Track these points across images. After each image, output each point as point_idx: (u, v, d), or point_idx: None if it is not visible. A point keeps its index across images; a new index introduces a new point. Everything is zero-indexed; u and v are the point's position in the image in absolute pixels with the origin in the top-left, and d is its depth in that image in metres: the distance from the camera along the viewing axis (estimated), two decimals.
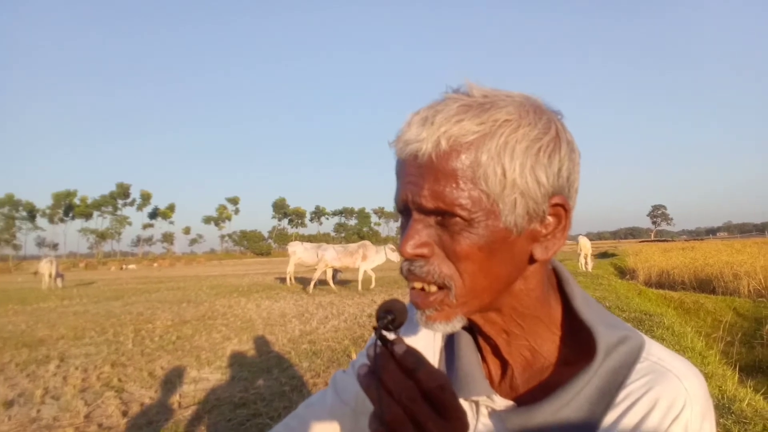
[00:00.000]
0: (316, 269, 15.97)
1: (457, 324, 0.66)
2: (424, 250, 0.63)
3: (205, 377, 5.75)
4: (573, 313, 0.70)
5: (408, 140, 0.62)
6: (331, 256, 15.97)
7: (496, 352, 0.74)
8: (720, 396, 3.63)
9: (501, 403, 0.70)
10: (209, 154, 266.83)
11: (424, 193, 0.61)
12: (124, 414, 4.53)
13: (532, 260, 0.66)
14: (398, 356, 0.50)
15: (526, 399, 0.69)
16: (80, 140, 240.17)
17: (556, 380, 0.67)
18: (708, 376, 4.33)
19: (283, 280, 20.14)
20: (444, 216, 0.62)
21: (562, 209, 0.65)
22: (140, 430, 4.11)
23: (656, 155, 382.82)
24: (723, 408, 3.38)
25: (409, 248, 0.63)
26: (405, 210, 0.66)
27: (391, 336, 0.53)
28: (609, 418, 0.63)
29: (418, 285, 0.65)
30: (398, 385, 0.50)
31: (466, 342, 0.76)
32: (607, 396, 0.64)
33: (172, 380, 5.64)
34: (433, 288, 0.64)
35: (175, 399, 4.88)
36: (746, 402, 3.52)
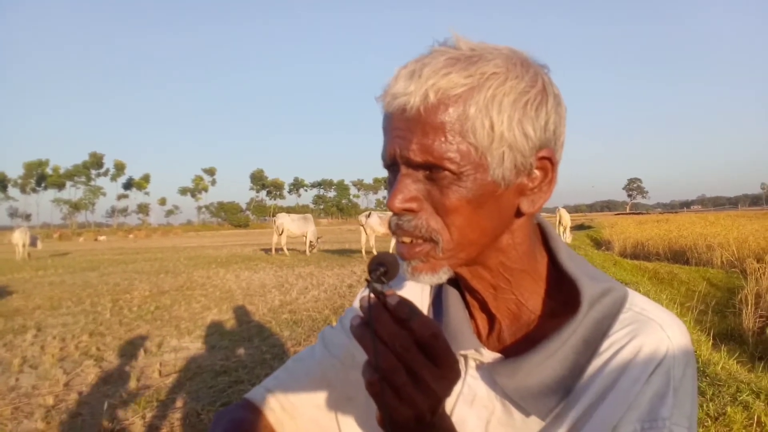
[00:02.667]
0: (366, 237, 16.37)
1: (443, 276, 0.66)
2: (413, 205, 0.63)
3: (185, 346, 5.74)
4: (558, 266, 0.71)
5: (395, 93, 0.61)
6: (375, 222, 16.39)
7: (484, 306, 0.74)
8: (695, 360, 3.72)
9: (489, 356, 0.71)
10: (184, 123, 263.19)
11: (412, 146, 0.61)
12: (105, 382, 4.51)
13: (518, 214, 0.66)
14: (391, 307, 0.50)
15: (513, 351, 0.70)
16: (52, 108, 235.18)
17: (542, 332, 0.68)
18: None
19: (267, 251, 20.21)
20: (432, 170, 0.61)
21: (548, 162, 0.64)
22: (121, 398, 4.10)
23: (633, 128, 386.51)
24: (698, 371, 3.47)
25: (398, 202, 0.62)
26: (393, 165, 0.65)
27: (383, 288, 0.53)
28: (593, 367, 0.64)
29: (406, 239, 0.65)
30: (392, 334, 0.50)
31: (453, 298, 0.77)
32: (592, 345, 0.65)
33: (152, 349, 5.62)
34: (421, 243, 0.64)
35: (155, 367, 4.86)
36: (720, 366, 3.62)
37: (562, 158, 0.68)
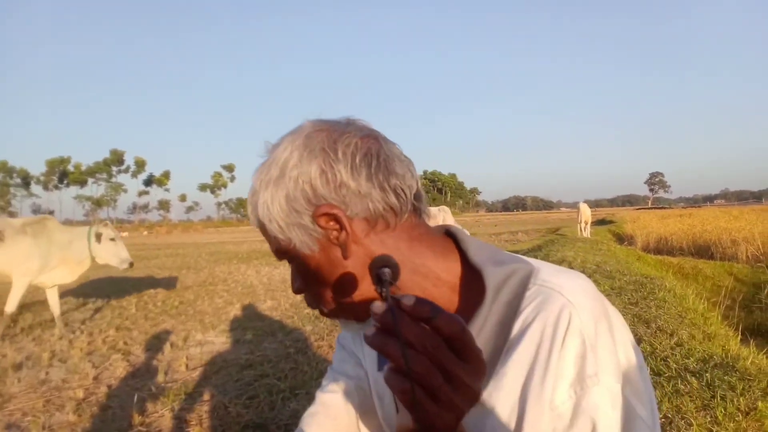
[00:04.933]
0: None
1: (358, 326, 0.78)
2: (300, 287, 0.79)
3: (210, 340, 5.80)
4: (468, 263, 0.75)
5: None
6: None
7: None
8: (724, 355, 3.68)
9: None
10: (203, 120, 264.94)
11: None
12: (133, 376, 4.58)
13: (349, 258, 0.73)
14: (410, 307, 0.47)
15: None
16: (73, 105, 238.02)
17: None
18: (711, 337, 4.38)
19: None
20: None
21: (331, 216, 0.70)
22: (149, 391, 4.15)
23: (654, 122, 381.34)
24: (727, 366, 3.43)
25: (293, 290, 0.80)
26: None
27: (390, 290, 0.51)
28: (509, 347, 0.66)
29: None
30: (418, 335, 0.46)
31: None
32: (505, 329, 0.68)
33: (178, 343, 5.69)
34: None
35: (182, 361, 4.92)
36: (750, 360, 3.58)
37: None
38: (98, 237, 6.52)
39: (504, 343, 0.66)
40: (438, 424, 0.48)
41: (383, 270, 0.54)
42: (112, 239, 6.59)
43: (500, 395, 0.65)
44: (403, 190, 0.71)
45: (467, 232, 0.81)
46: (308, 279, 0.76)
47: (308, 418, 0.91)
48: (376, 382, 0.89)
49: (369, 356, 0.90)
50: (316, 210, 0.69)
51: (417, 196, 0.74)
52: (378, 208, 0.70)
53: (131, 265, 6.82)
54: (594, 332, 0.63)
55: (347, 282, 0.73)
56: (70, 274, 6.56)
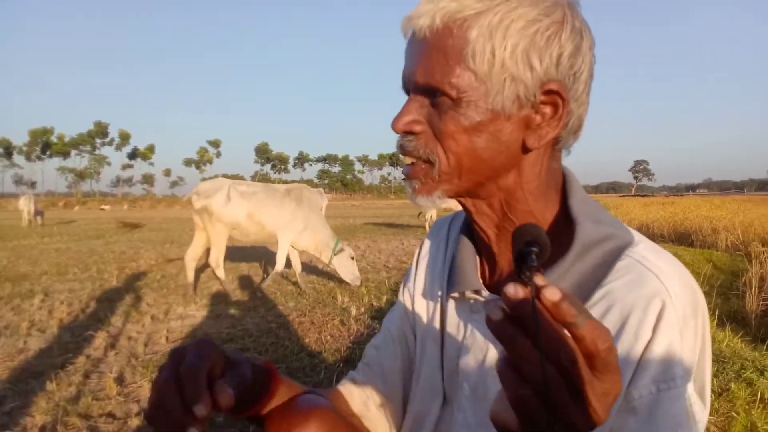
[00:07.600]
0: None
1: (437, 200, 0.67)
2: (415, 127, 0.65)
3: (192, 314, 5.79)
4: (567, 209, 0.69)
5: (411, 17, 0.64)
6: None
7: (489, 249, 0.74)
8: None
9: (487, 295, 0.72)
10: (189, 95, 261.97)
11: (417, 69, 0.63)
12: (112, 347, 4.55)
13: (525, 150, 0.65)
14: (552, 304, 0.37)
15: None
16: (57, 75, 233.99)
17: None
18: None
19: None
20: (435, 94, 0.63)
21: (558, 97, 0.62)
22: (129, 361, 4.14)
23: (639, 109, 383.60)
24: None
25: (400, 124, 0.65)
26: (406, 90, 0.68)
27: (537, 277, 0.39)
28: None
29: (408, 160, 0.67)
30: (555, 341, 0.37)
31: (466, 243, 0.78)
32: (583, 293, 0.63)
33: (159, 316, 5.67)
34: (422, 164, 0.67)
35: (162, 334, 4.91)
36: (725, 343, 3.64)
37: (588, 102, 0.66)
38: (340, 250, 6.86)
39: None
40: None
41: (531, 249, 0.42)
42: (352, 258, 6.91)
43: None
44: None
45: (576, 178, 0.74)
46: (442, 129, 0.64)
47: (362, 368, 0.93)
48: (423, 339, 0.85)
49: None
50: (550, 83, 0.62)
51: None
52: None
53: (361, 282, 7.08)
54: (682, 328, 0.58)
55: (491, 161, 0.65)
56: (311, 246, 6.94)
